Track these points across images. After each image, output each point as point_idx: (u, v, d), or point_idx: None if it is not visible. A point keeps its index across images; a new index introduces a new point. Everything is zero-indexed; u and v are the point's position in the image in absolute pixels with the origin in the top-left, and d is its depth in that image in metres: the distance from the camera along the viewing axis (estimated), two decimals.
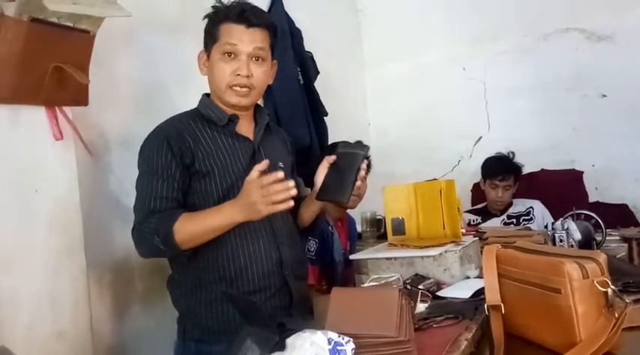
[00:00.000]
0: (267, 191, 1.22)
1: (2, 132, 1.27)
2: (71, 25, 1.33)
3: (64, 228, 1.39)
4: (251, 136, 1.48)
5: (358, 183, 1.36)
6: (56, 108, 1.39)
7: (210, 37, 1.44)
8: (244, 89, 1.41)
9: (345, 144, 1.45)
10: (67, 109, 1.42)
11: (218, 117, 1.44)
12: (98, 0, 1.36)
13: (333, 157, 1.40)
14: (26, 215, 1.30)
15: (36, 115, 1.35)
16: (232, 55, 1.40)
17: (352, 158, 1.38)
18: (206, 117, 1.45)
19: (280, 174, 1.23)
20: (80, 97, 1.43)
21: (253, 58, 1.42)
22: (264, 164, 1.26)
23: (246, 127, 1.49)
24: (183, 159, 1.36)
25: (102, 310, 1.55)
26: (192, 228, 1.30)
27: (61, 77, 1.33)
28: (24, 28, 1.24)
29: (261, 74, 1.44)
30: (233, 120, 1.45)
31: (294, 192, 1.23)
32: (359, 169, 1.36)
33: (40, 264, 1.33)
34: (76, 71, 1.33)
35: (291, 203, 1.25)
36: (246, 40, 1.40)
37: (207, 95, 1.49)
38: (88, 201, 1.49)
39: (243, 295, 1.32)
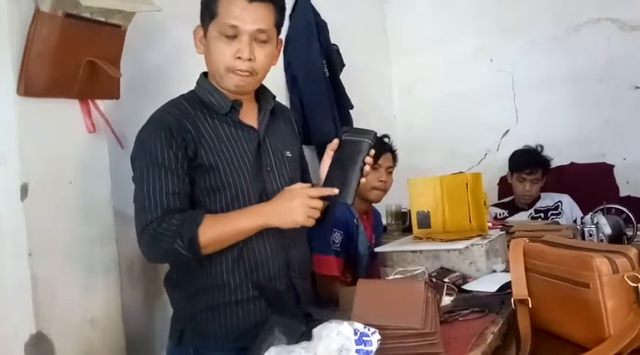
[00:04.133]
0: (316, 204, 1.20)
1: (37, 125, 1.31)
2: (103, 19, 1.36)
3: (96, 219, 1.43)
4: (255, 123, 1.35)
5: (363, 180, 1.25)
6: (89, 101, 1.43)
7: (208, 12, 1.27)
8: (245, 74, 1.27)
9: (350, 129, 1.30)
10: (99, 102, 1.45)
11: (220, 104, 1.31)
12: None
13: (335, 143, 1.27)
14: (61, 206, 1.35)
15: (69, 108, 1.39)
16: (232, 35, 1.25)
17: (356, 147, 1.23)
18: (206, 103, 1.31)
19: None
20: (112, 91, 1.46)
21: (256, 39, 1.26)
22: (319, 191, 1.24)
23: (249, 113, 1.36)
24: (187, 151, 1.24)
25: (132, 298, 1.59)
26: (218, 230, 1.21)
27: (93, 71, 1.37)
28: (58, 24, 1.27)
29: (264, 58, 1.29)
30: (236, 107, 1.31)
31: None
32: (363, 162, 1.22)
33: (73, 254, 1.37)
34: (108, 65, 1.37)
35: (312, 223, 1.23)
36: (248, 18, 1.24)
37: (205, 75, 1.36)
38: (119, 193, 1.52)
39: (269, 284, 1.31)
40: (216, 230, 1.21)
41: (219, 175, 1.27)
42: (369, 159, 1.24)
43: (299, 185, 1.25)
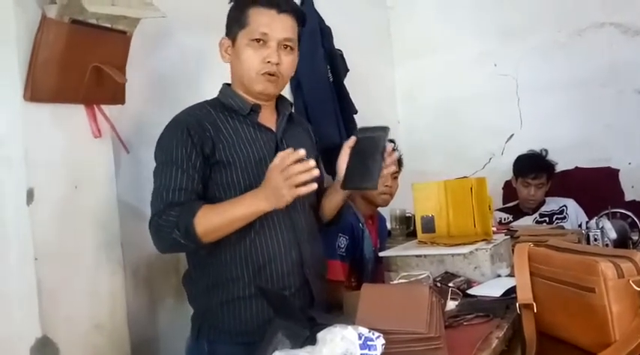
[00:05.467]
0: (288, 172, 1.17)
1: (44, 130, 1.32)
2: (109, 25, 1.37)
3: (102, 224, 1.44)
4: (273, 127, 1.43)
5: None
6: (95, 106, 1.43)
7: (237, 23, 1.37)
8: (272, 77, 1.37)
9: (364, 128, 1.36)
10: (105, 108, 1.46)
11: (240, 106, 1.39)
12: (135, 1, 1.39)
13: (352, 140, 1.33)
14: (66, 210, 1.35)
15: (75, 114, 1.40)
16: (261, 42, 1.35)
17: (374, 140, 1.29)
18: (227, 106, 1.40)
19: (302, 152, 1.18)
20: (117, 96, 1.47)
21: (282, 46, 1.37)
22: (287, 151, 1.20)
23: (268, 117, 1.43)
24: (204, 149, 1.31)
25: (138, 303, 1.59)
26: (214, 219, 1.25)
27: (99, 77, 1.38)
28: (65, 30, 1.28)
29: (289, 63, 1.40)
30: (255, 109, 1.39)
31: (315, 172, 1.18)
32: (384, 150, 1.28)
33: (79, 258, 1.38)
34: (113, 71, 1.38)
35: (314, 186, 1.19)
36: (277, 27, 1.35)
37: (228, 85, 1.45)
38: (124, 197, 1.53)
39: (272, 288, 1.31)
40: (212, 219, 1.25)
41: (235, 171, 1.33)
42: (388, 148, 1.30)
43: (276, 161, 1.20)
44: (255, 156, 1.35)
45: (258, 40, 1.35)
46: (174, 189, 1.28)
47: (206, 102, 1.42)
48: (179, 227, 1.23)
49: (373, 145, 1.29)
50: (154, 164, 1.37)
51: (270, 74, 1.36)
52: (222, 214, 1.26)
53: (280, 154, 1.21)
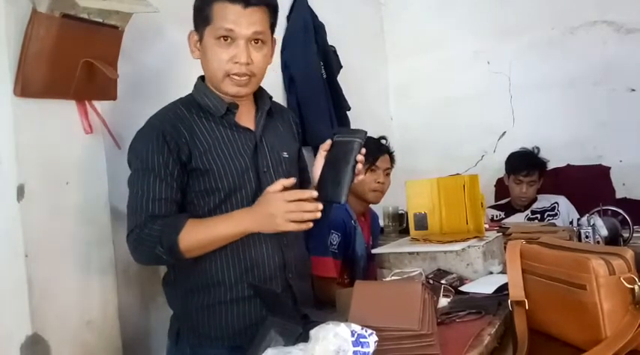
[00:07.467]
0: (295, 207, 1.15)
1: (34, 126, 1.30)
2: (101, 20, 1.36)
3: (93, 220, 1.43)
4: (252, 125, 1.36)
5: (360, 177, 1.24)
6: (86, 102, 1.42)
7: (201, 18, 1.28)
8: (244, 78, 1.28)
9: (341, 131, 1.31)
10: (96, 103, 1.45)
11: (216, 107, 1.32)
12: None
13: (327, 144, 1.27)
14: (57, 207, 1.34)
15: (67, 109, 1.38)
16: (229, 39, 1.26)
17: (348, 147, 1.23)
18: (202, 106, 1.32)
19: (314, 193, 1.17)
20: (109, 92, 1.46)
21: (252, 42, 1.27)
22: (292, 180, 1.19)
23: (246, 115, 1.37)
24: (180, 156, 1.25)
25: (129, 300, 1.58)
26: (199, 236, 1.22)
27: (90, 72, 1.37)
28: (56, 24, 1.27)
29: (262, 59, 1.30)
30: (232, 109, 1.32)
31: (319, 215, 1.16)
32: (355, 161, 1.22)
33: (70, 255, 1.37)
34: (105, 66, 1.36)
35: (310, 225, 1.17)
36: (243, 22, 1.25)
37: (203, 78, 1.37)
38: (116, 194, 1.52)
39: (265, 286, 1.31)
40: (196, 236, 1.22)
41: (213, 177, 1.28)
42: (360, 158, 1.24)
43: (277, 187, 1.19)
44: (234, 160, 1.30)
45: (225, 38, 1.26)
46: (154, 199, 1.23)
47: (180, 101, 1.35)
48: (162, 243, 1.20)
49: (346, 153, 1.23)
50: None
51: (240, 76, 1.28)
52: (207, 232, 1.23)
53: (282, 181, 1.18)
